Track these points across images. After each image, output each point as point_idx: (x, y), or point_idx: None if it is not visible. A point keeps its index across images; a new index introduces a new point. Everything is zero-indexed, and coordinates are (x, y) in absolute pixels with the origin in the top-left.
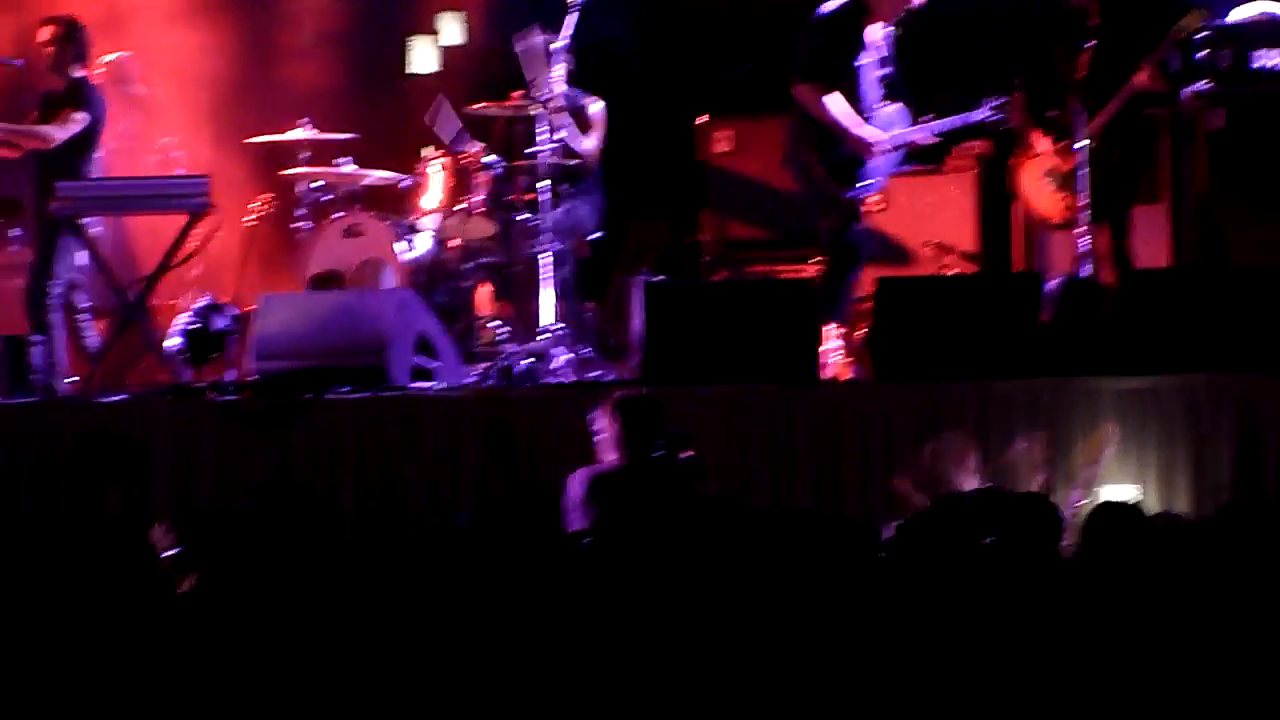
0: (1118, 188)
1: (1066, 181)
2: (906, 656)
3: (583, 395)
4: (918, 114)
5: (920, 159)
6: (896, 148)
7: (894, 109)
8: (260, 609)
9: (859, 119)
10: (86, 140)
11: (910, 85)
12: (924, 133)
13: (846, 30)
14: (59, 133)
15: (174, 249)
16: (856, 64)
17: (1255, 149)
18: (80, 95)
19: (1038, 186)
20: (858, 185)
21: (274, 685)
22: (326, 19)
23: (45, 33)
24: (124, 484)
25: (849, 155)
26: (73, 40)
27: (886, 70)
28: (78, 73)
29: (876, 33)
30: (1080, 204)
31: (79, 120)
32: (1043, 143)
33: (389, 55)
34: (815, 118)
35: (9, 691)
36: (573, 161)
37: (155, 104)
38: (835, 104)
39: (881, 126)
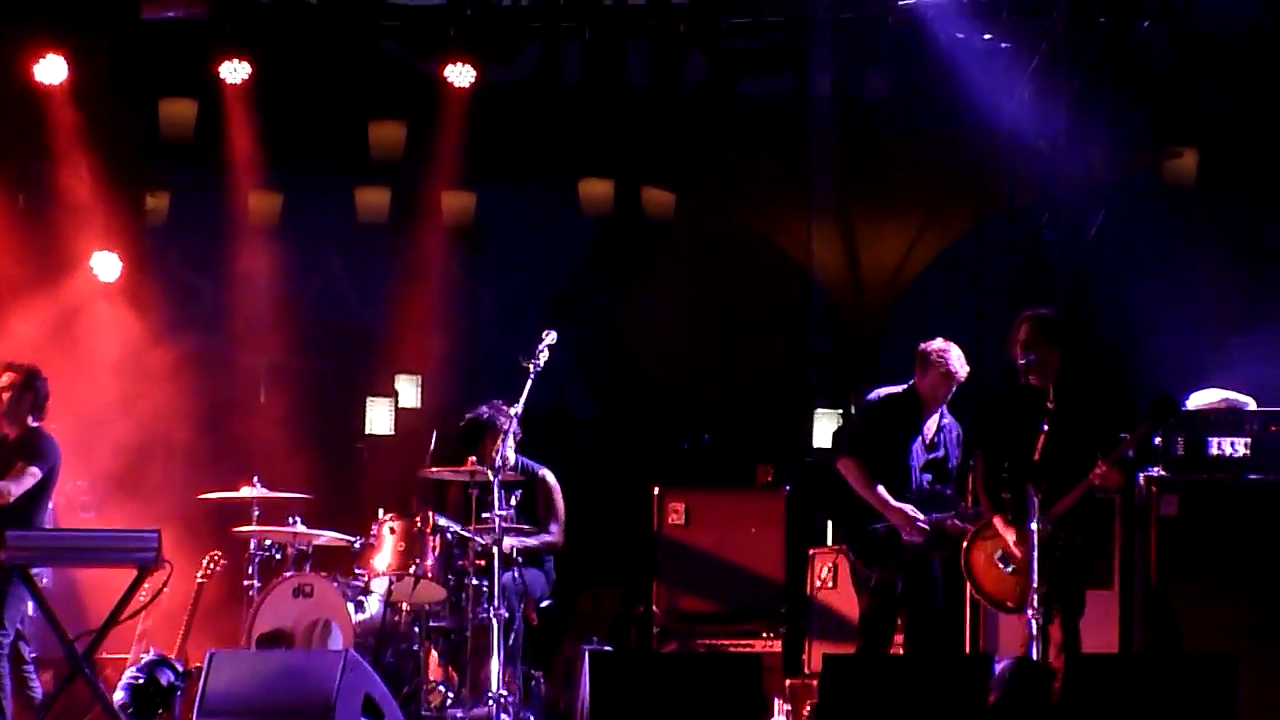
0: (1071, 573)
1: (1020, 564)
2: None
3: None
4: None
5: None
6: (932, 527)
7: (938, 492)
8: None
9: (890, 498)
10: (40, 491)
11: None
12: (959, 522)
13: (899, 416)
14: (14, 487)
15: (123, 602)
16: (909, 447)
17: (1207, 535)
18: (35, 448)
19: (991, 568)
20: (884, 567)
21: None
22: (283, 379)
23: (3, 380)
24: None
25: (882, 534)
26: (31, 389)
27: (934, 455)
28: (34, 423)
29: (932, 424)
30: (1032, 587)
31: (33, 475)
32: (997, 524)
33: (345, 416)
34: (856, 492)
35: None
36: (530, 537)
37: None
38: (874, 482)
39: (920, 507)
